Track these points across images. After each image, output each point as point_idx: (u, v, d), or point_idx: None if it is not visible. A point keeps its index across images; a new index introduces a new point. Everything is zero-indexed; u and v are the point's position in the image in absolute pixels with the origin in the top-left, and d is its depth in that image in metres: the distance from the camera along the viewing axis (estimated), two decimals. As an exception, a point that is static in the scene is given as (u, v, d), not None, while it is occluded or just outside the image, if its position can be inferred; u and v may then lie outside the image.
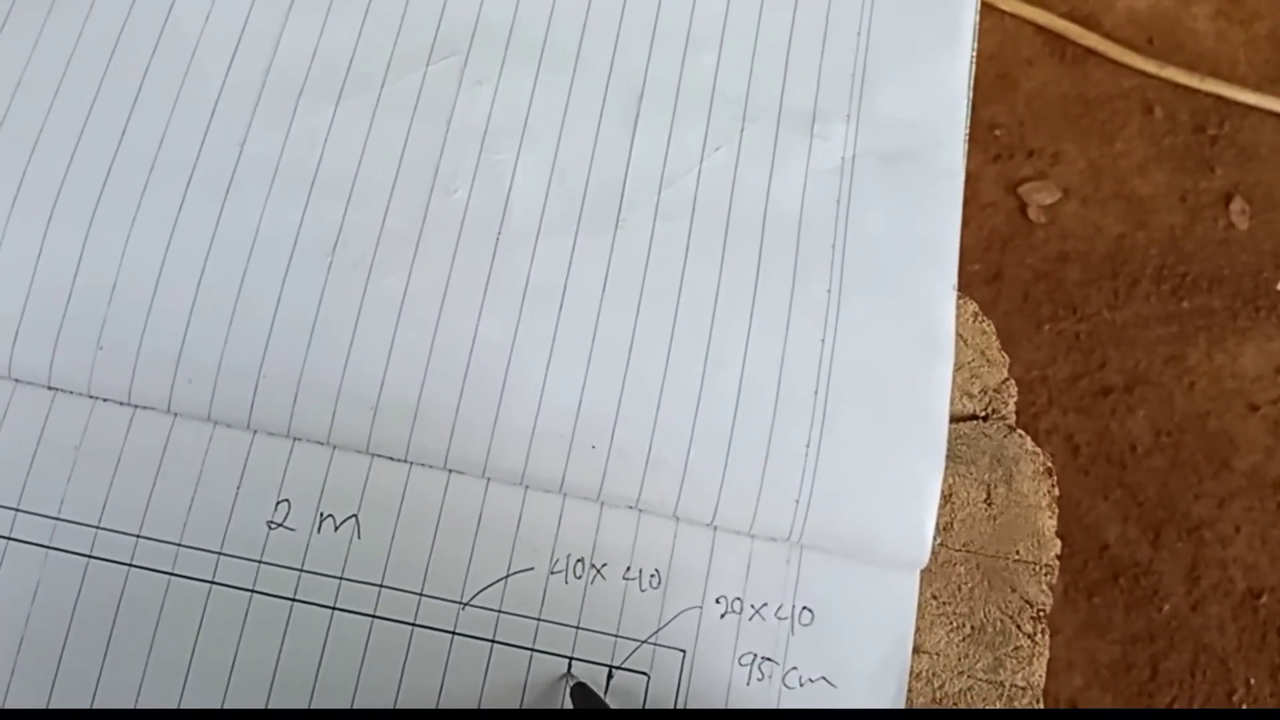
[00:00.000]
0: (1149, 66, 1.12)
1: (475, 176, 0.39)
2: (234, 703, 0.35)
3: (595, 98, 0.40)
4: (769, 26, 0.42)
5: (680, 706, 0.35)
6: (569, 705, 0.35)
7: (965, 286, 0.39)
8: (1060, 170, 1.10)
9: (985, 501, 0.39)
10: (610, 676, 0.35)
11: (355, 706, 0.35)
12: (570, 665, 0.36)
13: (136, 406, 0.37)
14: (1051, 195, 1.09)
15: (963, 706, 0.37)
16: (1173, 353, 1.04)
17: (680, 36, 0.41)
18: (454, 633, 0.36)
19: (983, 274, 1.06)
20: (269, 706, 0.35)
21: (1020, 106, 1.12)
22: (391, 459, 0.37)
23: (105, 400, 0.37)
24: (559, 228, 0.39)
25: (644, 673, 0.36)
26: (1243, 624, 0.96)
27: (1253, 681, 0.95)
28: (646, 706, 0.35)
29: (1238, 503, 0.99)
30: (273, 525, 0.36)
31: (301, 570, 0.36)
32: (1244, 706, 0.95)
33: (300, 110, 0.39)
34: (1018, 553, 0.38)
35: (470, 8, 0.41)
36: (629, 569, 0.36)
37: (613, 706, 0.35)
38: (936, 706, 0.37)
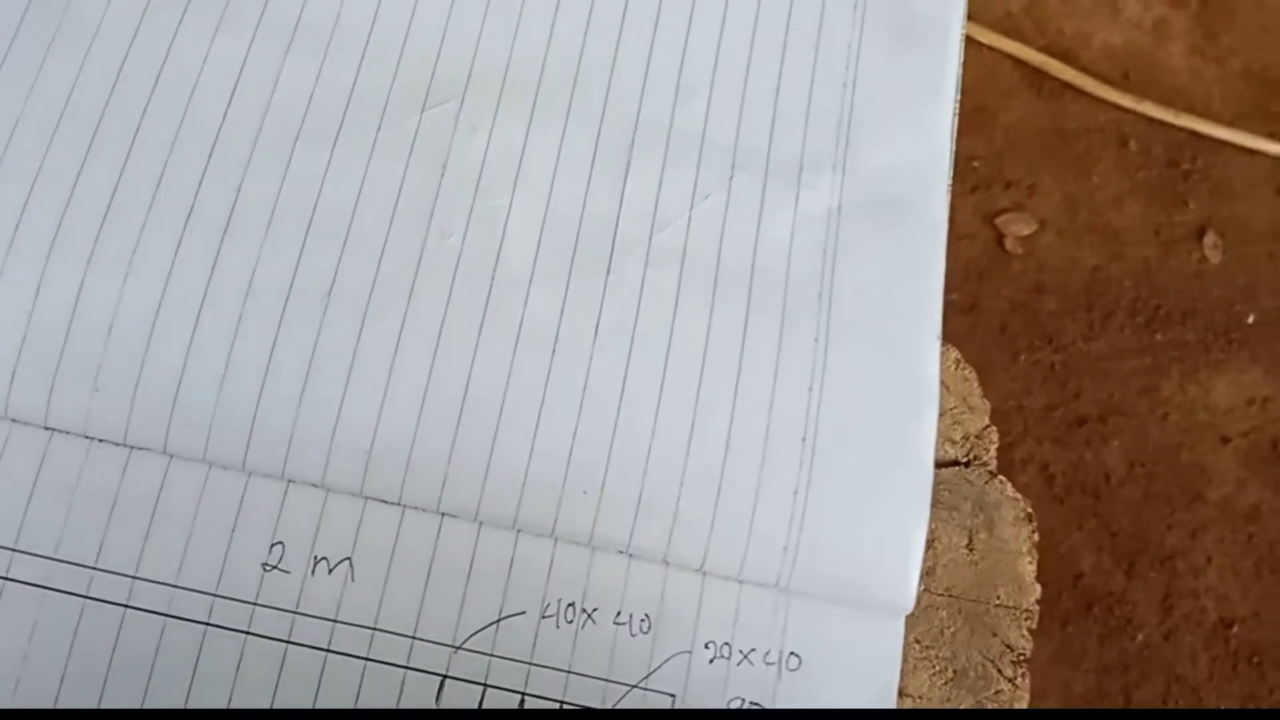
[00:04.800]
0: (1125, 101, 1.14)
1: (469, 222, 0.39)
2: (227, 744, 0.35)
3: (587, 144, 0.41)
4: (757, 76, 0.42)
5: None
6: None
7: (942, 317, 0.40)
8: (1037, 202, 1.11)
9: (967, 547, 0.40)
10: (600, 720, 0.36)
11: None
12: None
13: (133, 448, 0.37)
14: (1028, 226, 1.10)
15: (944, 750, 0.38)
16: (1146, 384, 1.05)
17: (670, 84, 0.42)
18: (446, 676, 0.36)
19: (959, 304, 1.07)
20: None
21: (998, 138, 1.14)
22: (385, 502, 0.37)
23: (102, 441, 0.37)
24: (552, 273, 0.39)
25: (633, 716, 0.36)
26: (1214, 654, 0.97)
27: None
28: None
29: (1210, 533, 1.00)
30: (267, 568, 0.36)
31: (296, 613, 0.36)
32: (1215, 735, 0.96)
33: (297, 153, 0.40)
34: (999, 597, 0.39)
35: (465, 55, 0.42)
36: (619, 613, 0.37)
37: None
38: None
